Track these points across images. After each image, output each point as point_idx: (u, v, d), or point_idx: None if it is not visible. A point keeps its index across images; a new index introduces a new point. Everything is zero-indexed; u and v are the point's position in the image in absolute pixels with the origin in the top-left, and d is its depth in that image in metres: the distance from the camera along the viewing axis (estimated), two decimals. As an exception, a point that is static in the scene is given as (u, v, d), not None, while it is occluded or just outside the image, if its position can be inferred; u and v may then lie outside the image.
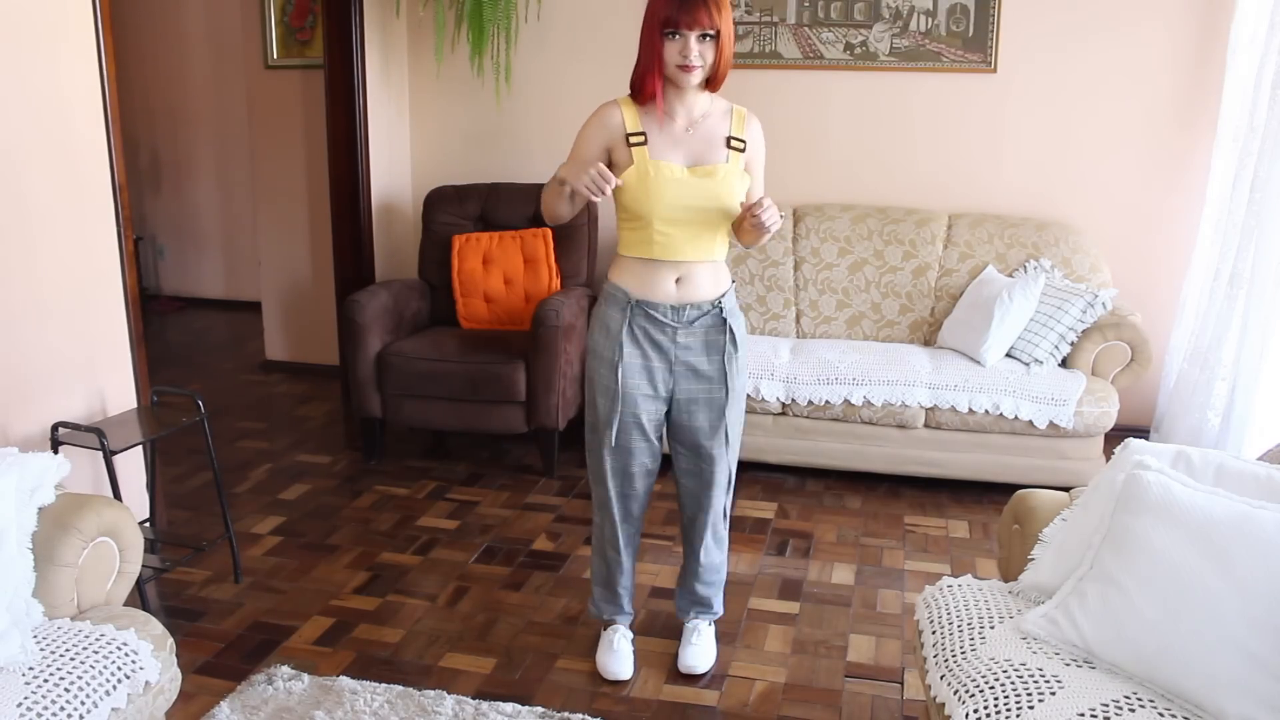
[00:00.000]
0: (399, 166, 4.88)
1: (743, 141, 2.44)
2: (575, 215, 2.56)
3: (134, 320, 3.18)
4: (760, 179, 2.53)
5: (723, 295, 2.49)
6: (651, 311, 2.45)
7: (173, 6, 6.54)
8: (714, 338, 2.49)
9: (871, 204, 4.40)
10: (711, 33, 2.30)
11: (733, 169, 2.42)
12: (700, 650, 2.70)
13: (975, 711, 1.75)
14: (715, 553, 2.71)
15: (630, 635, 2.76)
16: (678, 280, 2.45)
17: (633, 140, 2.38)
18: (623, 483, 2.60)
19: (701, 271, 2.46)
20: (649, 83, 2.36)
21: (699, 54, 2.30)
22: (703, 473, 2.59)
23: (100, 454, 2.77)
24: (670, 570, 3.22)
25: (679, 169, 2.38)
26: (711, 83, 2.39)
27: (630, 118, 2.40)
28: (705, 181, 2.38)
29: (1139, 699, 1.72)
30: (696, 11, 2.27)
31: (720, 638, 2.82)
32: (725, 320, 2.49)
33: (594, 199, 2.28)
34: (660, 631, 2.88)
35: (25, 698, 1.76)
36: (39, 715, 1.75)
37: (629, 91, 2.44)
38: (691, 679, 2.66)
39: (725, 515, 2.69)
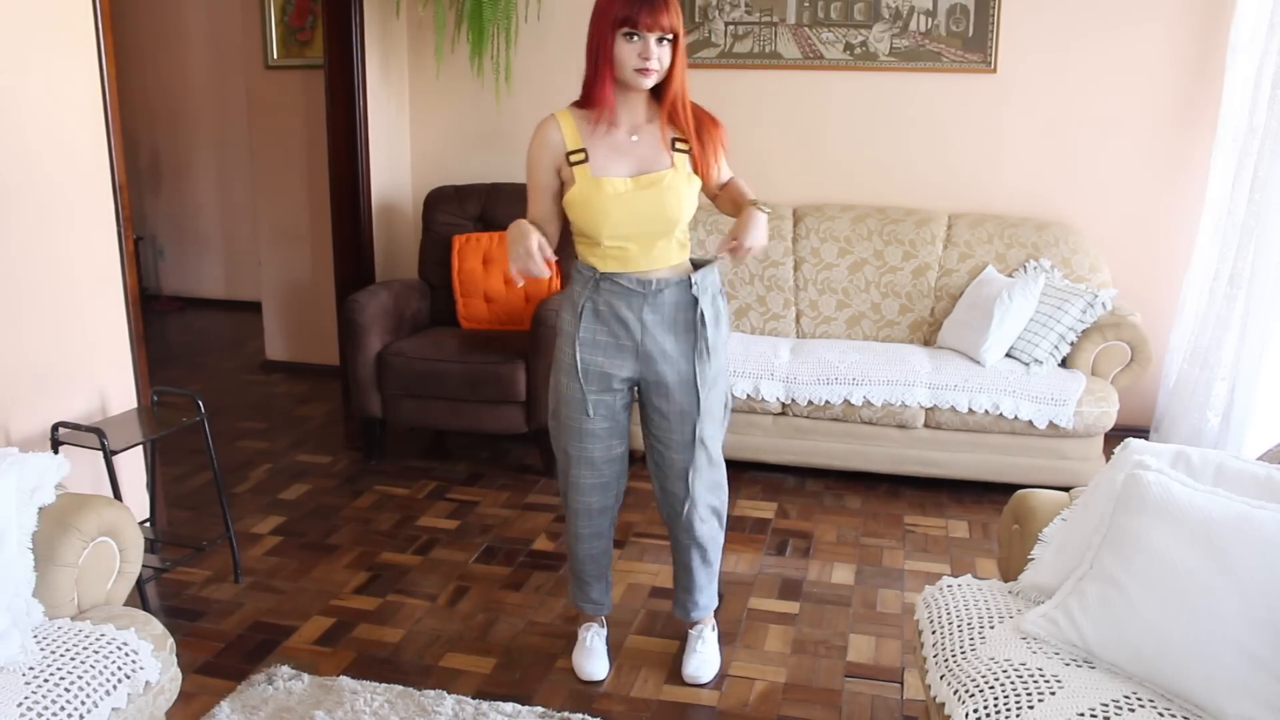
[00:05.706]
0: (399, 166, 4.88)
1: (687, 143, 2.38)
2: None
3: (134, 320, 3.18)
4: (721, 164, 2.45)
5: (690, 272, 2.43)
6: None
7: (173, 6, 6.54)
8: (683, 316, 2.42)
9: (871, 204, 4.39)
10: (669, 36, 2.25)
11: (679, 174, 2.35)
12: (702, 659, 2.68)
13: (975, 711, 1.76)
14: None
15: (604, 633, 2.75)
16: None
17: (573, 159, 2.32)
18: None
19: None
20: (599, 89, 2.29)
21: (658, 57, 2.25)
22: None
23: (100, 454, 2.77)
24: (670, 570, 3.23)
25: (622, 182, 2.31)
26: (664, 90, 2.33)
27: (569, 133, 2.33)
28: (649, 192, 2.31)
29: (1139, 699, 1.72)
30: (657, 13, 2.21)
31: (720, 638, 2.82)
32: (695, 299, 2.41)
33: (544, 275, 2.23)
34: (660, 632, 2.88)
35: (25, 698, 1.76)
36: (39, 715, 1.75)
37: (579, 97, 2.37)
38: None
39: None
